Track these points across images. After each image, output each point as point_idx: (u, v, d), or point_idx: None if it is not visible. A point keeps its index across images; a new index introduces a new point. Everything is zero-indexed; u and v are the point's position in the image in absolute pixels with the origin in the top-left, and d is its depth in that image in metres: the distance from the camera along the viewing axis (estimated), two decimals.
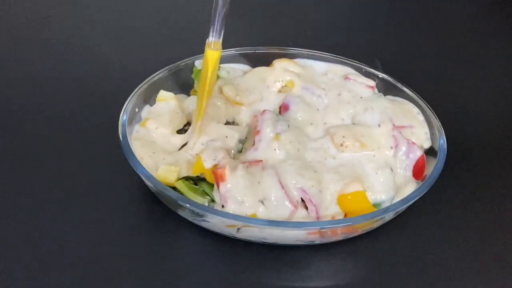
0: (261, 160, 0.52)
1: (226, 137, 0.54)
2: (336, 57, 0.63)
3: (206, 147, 0.52)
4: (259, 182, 0.50)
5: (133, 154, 0.51)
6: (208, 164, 0.51)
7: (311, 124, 0.57)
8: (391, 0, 0.93)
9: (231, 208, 0.48)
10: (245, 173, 0.50)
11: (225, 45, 0.64)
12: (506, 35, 0.83)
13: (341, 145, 0.54)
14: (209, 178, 0.51)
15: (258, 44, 0.66)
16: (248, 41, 0.68)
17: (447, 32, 0.84)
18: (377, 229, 0.52)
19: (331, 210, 0.50)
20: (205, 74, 0.51)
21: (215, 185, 0.50)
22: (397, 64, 0.72)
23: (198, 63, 0.61)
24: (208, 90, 0.51)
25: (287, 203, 0.49)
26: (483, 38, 0.83)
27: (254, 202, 0.49)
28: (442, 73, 0.75)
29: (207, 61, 0.50)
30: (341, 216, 0.50)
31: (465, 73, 0.75)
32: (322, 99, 0.59)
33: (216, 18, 0.49)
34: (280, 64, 0.61)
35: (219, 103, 0.58)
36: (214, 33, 0.50)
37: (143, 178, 0.50)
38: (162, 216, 0.52)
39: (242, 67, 0.64)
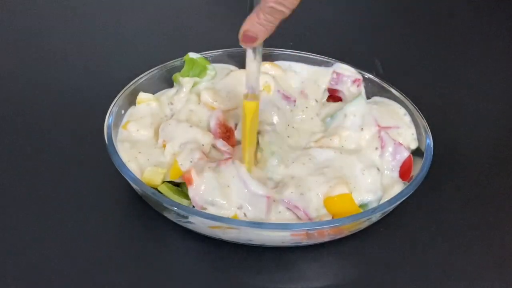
0: (230, 158, 0.51)
1: (203, 145, 0.53)
2: (320, 57, 0.63)
3: (181, 150, 0.52)
4: (228, 186, 0.49)
5: (118, 156, 0.51)
6: (185, 167, 0.50)
7: (288, 126, 0.57)
8: (384, 1, 0.94)
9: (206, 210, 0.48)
10: (212, 174, 0.49)
11: (219, 45, 0.64)
12: (496, 38, 0.84)
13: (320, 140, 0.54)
14: None
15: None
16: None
17: (435, 33, 0.84)
18: (365, 230, 0.52)
19: (321, 211, 0.50)
20: (244, 124, 0.51)
21: None
22: (388, 66, 0.72)
23: (191, 54, 0.61)
24: (249, 139, 0.51)
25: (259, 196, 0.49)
26: (473, 39, 0.83)
27: (228, 205, 0.49)
28: (431, 74, 0.75)
29: (245, 112, 0.50)
30: (328, 218, 0.50)
31: (454, 74, 0.75)
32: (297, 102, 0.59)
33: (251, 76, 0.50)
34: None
35: (192, 107, 0.57)
36: (250, 87, 0.50)
37: (128, 180, 0.50)
38: (149, 218, 0.52)
39: (232, 68, 0.64)
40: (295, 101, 0.59)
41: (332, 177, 0.51)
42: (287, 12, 0.44)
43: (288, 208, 0.50)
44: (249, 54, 0.49)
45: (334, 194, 0.50)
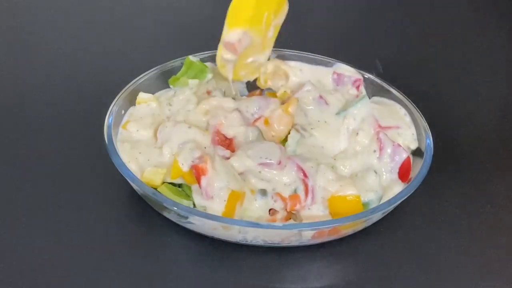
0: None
1: (205, 147, 0.53)
2: (320, 57, 0.63)
3: (181, 150, 0.52)
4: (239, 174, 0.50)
5: (118, 156, 0.51)
6: (185, 167, 0.50)
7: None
8: (385, 2, 0.94)
9: (214, 202, 0.49)
10: (223, 164, 0.50)
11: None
12: (497, 38, 0.84)
13: None
14: (189, 180, 0.50)
15: None
16: None
17: (435, 33, 0.84)
18: (365, 230, 0.52)
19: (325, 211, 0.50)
20: None
21: (194, 186, 0.50)
22: (388, 66, 0.72)
23: (191, 57, 0.61)
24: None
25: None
26: (474, 39, 0.83)
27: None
28: (431, 74, 0.75)
29: None
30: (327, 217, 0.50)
31: (454, 73, 0.75)
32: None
33: None
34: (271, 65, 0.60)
35: (191, 107, 0.57)
36: None
37: (128, 180, 0.50)
38: (149, 218, 0.52)
39: None
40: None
41: (342, 177, 0.52)
42: None
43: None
44: None
45: (343, 194, 0.50)
